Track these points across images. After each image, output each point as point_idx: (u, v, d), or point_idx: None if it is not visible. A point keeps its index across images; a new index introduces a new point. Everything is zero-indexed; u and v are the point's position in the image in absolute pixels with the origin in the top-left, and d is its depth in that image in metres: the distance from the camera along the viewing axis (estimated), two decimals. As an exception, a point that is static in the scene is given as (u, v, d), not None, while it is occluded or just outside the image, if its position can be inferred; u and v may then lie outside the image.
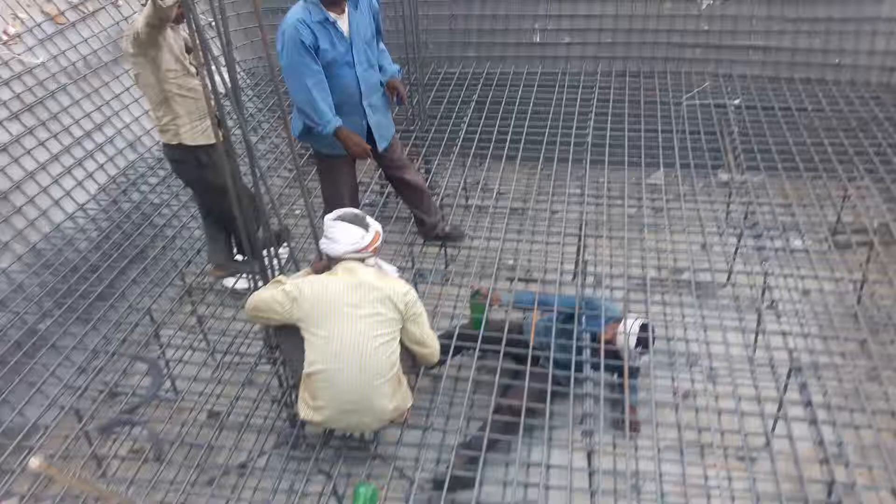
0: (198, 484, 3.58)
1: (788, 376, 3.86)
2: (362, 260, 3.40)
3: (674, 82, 6.79)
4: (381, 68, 4.26)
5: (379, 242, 3.47)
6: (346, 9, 3.93)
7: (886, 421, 3.71)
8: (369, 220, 3.45)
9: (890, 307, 4.50)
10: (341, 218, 3.42)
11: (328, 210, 4.45)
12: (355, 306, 3.20)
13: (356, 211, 3.51)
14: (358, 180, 4.81)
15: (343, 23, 3.93)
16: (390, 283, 3.33)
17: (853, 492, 3.22)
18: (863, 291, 4.74)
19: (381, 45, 4.28)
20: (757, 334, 4.25)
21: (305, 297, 3.22)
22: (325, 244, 3.41)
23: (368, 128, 4.30)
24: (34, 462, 1.07)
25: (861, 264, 4.73)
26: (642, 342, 3.90)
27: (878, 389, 3.78)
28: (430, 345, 3.50)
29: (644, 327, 3.96)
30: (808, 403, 3.62)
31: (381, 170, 4.93)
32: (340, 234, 3.36)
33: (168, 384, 4.20)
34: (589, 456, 3.42)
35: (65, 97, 5.57)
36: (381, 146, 4.41)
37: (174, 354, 4.23)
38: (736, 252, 5.01)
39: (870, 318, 4.56)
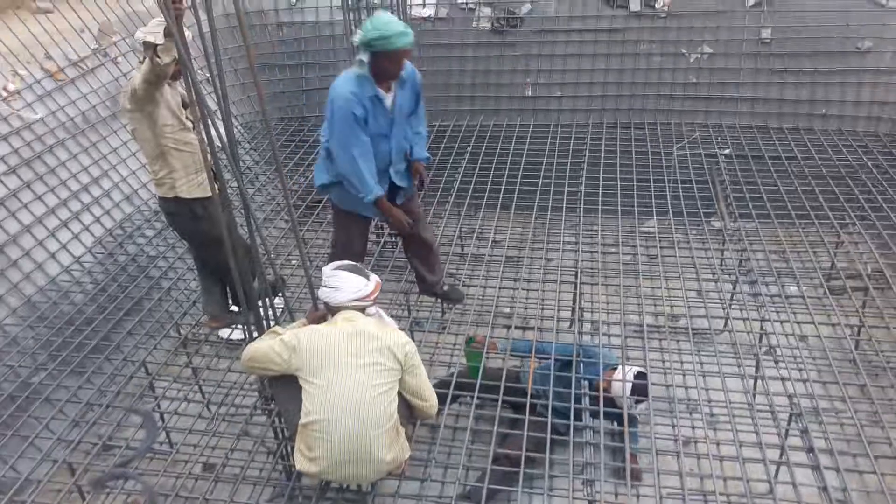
0: (192, 538, 3.51)
1: (789, 422, 3.84)
2: (363, 310, 3.39)
3: (664, 133, 6.91)
4: (411, 149, 4.36)
5: (378, 293, 3.48)
6: (393, 87, 4.05)
7: (890, 465, 3.68)
8: (368, 271, 3.48)
9: (887, 351, 4.49)
10: (341, 268, 3.44)
11: (335, 253, 4.47)
12: (354, 355, 3.18)
13: (354, 263, 3.53)
14: None
15: (388, 99, 4.05)
16: (390, 333, 3.32)
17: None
18: (860, 336, 4.75)
19: (421, 129, 4.38)
20: (756, 380, 4.24)
21: (304, 347, 3.20)
22: (326, 293, 3.40)
23: (391, 184, 4.39)
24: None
25: (857, 309, 4.75)
26: (638, 390, 3.88)
27: (881, 434, 3.75)
28: (428, 398, 3.46)
29: (640, 375, 3.95)
30: (811, 449, 3.59)
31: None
32: (343, 282, 3.37)
33: (163, 437, 4.14)
34: (590, 504, 3.37)
35: (63, 152, 5.62)
36: (399, 201, 4.47)
37: (169, 406, 4.18)
38: (732, 298, 5.03)
39: (868, 363, 4.56)
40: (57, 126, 5.68)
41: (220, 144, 3.07)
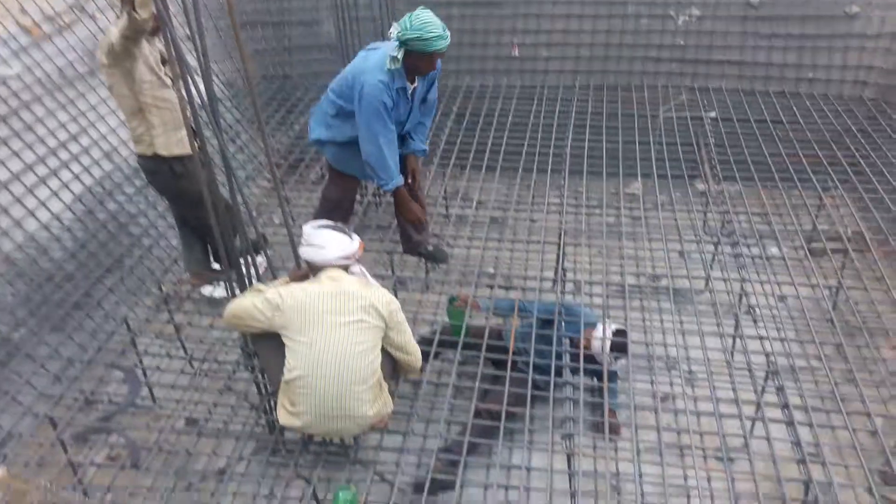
0: (176, 490, 3.54)
1: (766, 379, 3.90)
2: (346, 268, 3.39)
3: (651, 95, 6.89)
4: (411, 137, 4.42)
5: (361, 252, 3.48)
6: (416, 79, 4.13)
7: (862, 421, 3.75)
8: (350, 230, 3.48)
9: (864, 312, 4.56)
10: (324, 227, 3.43)
11: (324, 206, 4.48)
12: (338, 313, 3.18)
13: (335, 223, 3.53)
14: None
15: (411, 89, 4.14)
16: (374, 291, 3.32)
17: (830, 490, 3.24)
18: (838, 297, 4.81)
19: (427, 121, 4.46)
20: (735, 339, 4.29)
21: (288, 305, 3.20)
22: (310, 252, 3.38)
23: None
24: (-2, 473, 1.05)
25: (836, 271, 4.80)
26: (617, 347, 3.92)
27: (854, 391, 3.82)
28: (413, 352, 3.49)
29: (619, 332, 3.98)
30: (786, 406, 3.65)
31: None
32: (328, 240, 3.36)
33: (145, 392, 4.15)
34: (569, 458, 3.42)
35: (40, 108, 5.51)
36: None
37: (151, 362, 4.18)
38: (713, 259, 5.06)
39: (845, 323, 4.63)
40: (33, 82, 5.56)
41: (200, 102, 3.03)
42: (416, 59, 3.90)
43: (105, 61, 3.77)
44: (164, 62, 3.92)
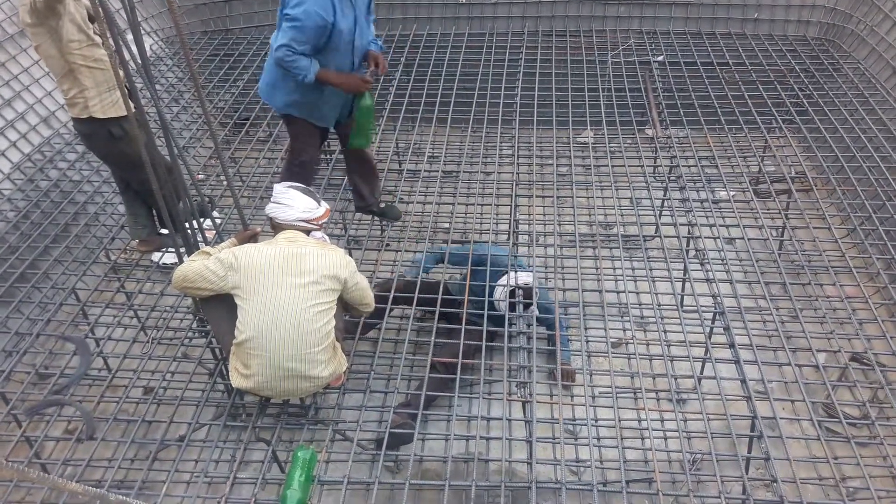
0: (136, 460, 3.54)
1: (713, 320, 4.01)
2: (307, 232, 3.36)
3: (599, 40, 6.86)
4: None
5: (326, 220, 3.45)
6: None
7: (806, 357, 3.90)
8: (319, 197, 3.45)
9: (808, 251, 4.69)
10: (294, 188, 3.41)
11: (292, 161, 4.38)
12: (293, 275, 3.16)
13: (307, 186, 3.51)
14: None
15: None
16: (330, 253, 3.30)
17: (776, 424, 3.38)
18: (783, 237, 4.94)
19: (371, 17, 4.21)
20: (684, 282, 4.39)
21: (242, 265, 3.16)
22: (274, 209, 3.37)
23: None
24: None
25: (781, 211, 4.92)
26: (522, 295, 3.97)
27: (799, 329, 3.95)
28: (369, 302, 3.52)
29: (521, 288, 4.02)
30: (732, 345, 3.77)
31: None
32: (294, 200, 3.35)
33: (99, 363, 4.10)
34: (524, 406, 3.50)
35: (-31, 72, 5.29)
36: (342, 120, 4.37)
37: (105, 333, 4.12)
38: (662, 205, 5.14)
39: (791, 262, 4.76)
40: (-40, 45, 5.32)
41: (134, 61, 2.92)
42: None
43: (28, 20, 3.58)
44: (91, 19, 3.74)
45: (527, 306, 3.95)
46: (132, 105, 3.04)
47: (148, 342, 4.01)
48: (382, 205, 4.85)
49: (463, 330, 3.75)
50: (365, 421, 3.48)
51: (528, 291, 3.99)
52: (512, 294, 3.99)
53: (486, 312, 3.88)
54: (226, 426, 3.49)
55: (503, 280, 4.06)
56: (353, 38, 3.95)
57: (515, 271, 4.09)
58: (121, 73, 2.91)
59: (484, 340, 3.75)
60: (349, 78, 4.05)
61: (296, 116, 4.23)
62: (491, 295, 4.04)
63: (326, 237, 3.67)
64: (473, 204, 5.09)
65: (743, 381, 3.56)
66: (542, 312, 3.99)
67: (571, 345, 4.29)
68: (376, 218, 5.01)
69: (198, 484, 3.23)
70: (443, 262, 4.48)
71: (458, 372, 3.61)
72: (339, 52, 3.94)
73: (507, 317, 3.87)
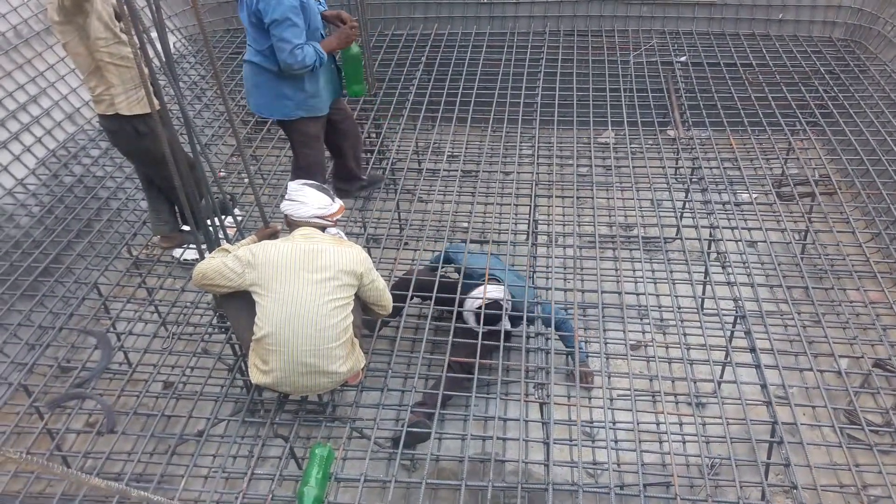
0: (155, 454, 3.57)
1: (734, 324, 3.97)
2: (323, 228, 3.39)
3: (621, 40, 6.82)
4: None
5: (341, 216, 3.47)
6: None
7: (829, 363, 3.85)
8: (332, 193, 3.47)
9: (832, 254, 4.64)
10: (308, 185, 3.44)
11: (298, 165, 4.47)
12: (311, 271, 3.18)
13: (321, 183, 3.54)
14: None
15: None
16: (347, 249, 3.31)
17: (797, 430, 3.34)
18: (806, 240, 4.88)
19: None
20: (704, 285, 4.35)
21: (260, 261, 3.19)
22: (289, 206, 3.39)
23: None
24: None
25: (804, 214, 4.86)
26: (487, 316, 3.92)
27: (821, 333, 3.91)
28: (386, 304, 3.53)
29: (494, 304, 3.96)
30: (753, 349, 3.73)
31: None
32: (308, 197, 3.38)
33: (120, 357, 4.14)
34: (541, 407, 3.49)
35: (-4, 69, 5.36)
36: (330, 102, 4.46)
37: (125, 327, 4.16)
38: (684, 207, 5.10)
39: (813, 266, 4.71)
40: (-12, 41, 5.40)
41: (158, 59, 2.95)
42: None
43: (56, 18, 3.63)
44: (118, 17, 3.77)
45: (496, 320, 3.89)
46: (157, 102, 3.07)
47: (168, 337, 4.05)
48: (364, 181, 4.91)
49: (480, 332, 3.74)
50: (382, 419, 3.49)
51: (495, 306, 3.93)
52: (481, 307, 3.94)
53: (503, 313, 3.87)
54: (244, 422, 3.51)
55: (475, 293, 4.03)
56: (316, 6, 4.08)
57: (485, 284, 4.03)
58: (145, 70, 2.93)
59: (502, 341, 3.74)
60: (340, 35, 4.19)
61: (305, 118, 4.28)
62: (461, 306, 4.01)
63: (342, 234, 3.69)
64: (493, 204, 5.09)
65: (763, 386, 3.53)
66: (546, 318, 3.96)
67: (587, 347, 4.26)
68: (396, 214, 5.02)
69: (216, 479, 3.25)
70: (449, 262, 4.46)
71: (476, 371, 3.60)
72: (313, 25, 4.03)
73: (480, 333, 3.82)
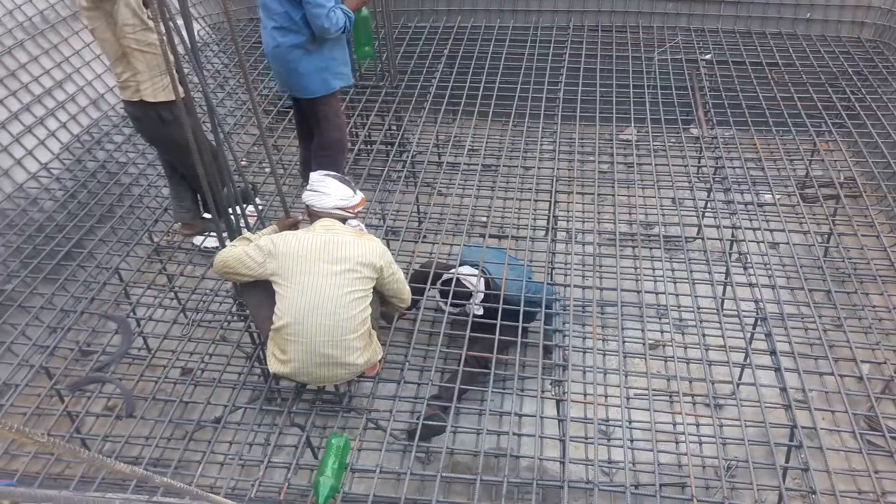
0: (173, 439, 3.60)
1: (754, 326, 3.94)
2: (344, 220, 3.39)
3: (646, 37, 6.76)
4: None
5: (362, 208, 3.47)
6: None
7: (850, 367, 3.81)
8: (354, 186, 3.48)
9: (855, 258, 4.58)
10: (331, 176, 3.44)
11: (322, 144, 4.64)
12: (330, 262, 3.19)
13: (344, 175, 3.54)
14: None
15: None
16: (367, 241, 3.32)
17: (816, 434, 3.31)
18: (829, 243, 4.82)
19: None
20: (725, 286, 4.31)
21: (281, 252, 3.20)
22: (311, 197, 3.39)
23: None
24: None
25: (827, 217, 4.80)
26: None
27: (842, 338, 3.86)
28: (405, 298, 3.54)
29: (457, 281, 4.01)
30: (773, 352, 3.70)
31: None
32: (330, 188, 3.38)
33: (139, 342, 4.17)
34: (557, 404, 3.47)
35: (22, 53, 5.40)
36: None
37: (145, 313, 4.19)
38: (706, 206, 5.05)
39: (836, 269, 4.65)
40: (15, 26, 5.44)
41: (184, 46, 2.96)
42: None
43: (85, 3, 3.65)
44: (146, 4, 3.80)
45: (464, 299, 3.95)
46: (181, 90, 3.08)
47: (187, 324, 4.08)
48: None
49: (498, 325, 3.74)
50: (398, 411, 3.49)
51: (456, 283, 3.97)
52: (446, 284, 4.00)
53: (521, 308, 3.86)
54: (261, 410, 3.53)
55: (464, 269, 4.07)
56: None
57: (464, 265, 4.12)
58: (171, 57, 2.95)
59: (519, 337, 3.73)
60: None
61: (334, 91, 4.50)
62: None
63: (363, 226, 3.69)
64: (512, 199, 5.07)
65: (783, 389, 3.50)
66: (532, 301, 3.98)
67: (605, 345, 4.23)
68: (414, 207, 5.03)
69: (232, 466, 3.28)
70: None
71: (493, 366, 3.59)
72: None
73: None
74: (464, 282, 3.97)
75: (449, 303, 3.93)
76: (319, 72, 4.35)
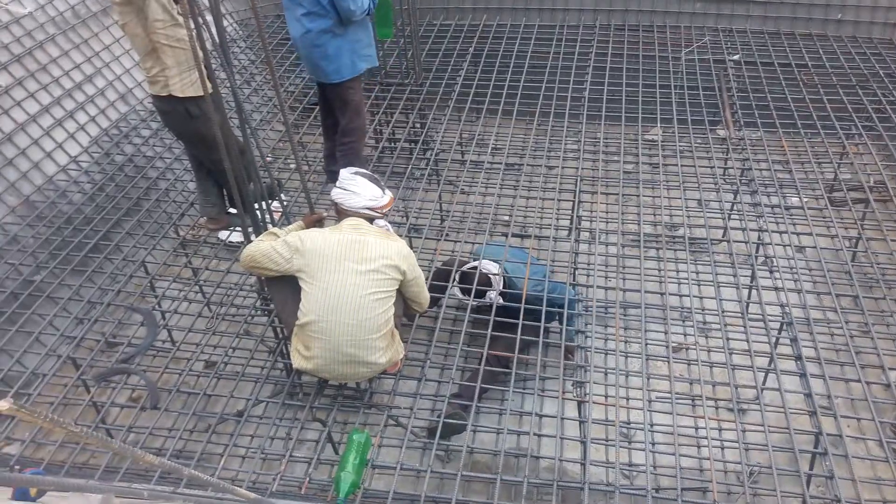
0: (196, 431, 3.63)
1: (780, 330, 3.89)
2: (371, 220, 3.39)
3: (673, 36, 6.71)
4: None
5: (390, 208, 3.47)
6: None
7: (876, 375, 3.76)
8: (384, 185, 3.48)
9: (884, 264, 4.51)
10: (361, 174, 3.44)
11: (347, 131, 4.86)
12: (356, 261, 3.19)
13: (374, 175, 3.53)
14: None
15: None
16: (393, 243, 3.32)
17: (841, 442, 3.27)
18: (857, 248, 4.76)
19: None
20: (751, 290, 4.27)
21: (308, 248, 3.21)
22: (340, 195, 3.39)
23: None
24: (3, 405, 1.08)
25: (856, 221, 4.74)
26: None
27: (869, 344, 3.81)
28: (423, 302, 3.55)
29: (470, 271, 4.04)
30: (799, 357, 3.66)
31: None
32: (362, 187, 3.37)
33: (164, 335, 4.22)
34: (579, 406, 3.46)
35: (54, 48, 5.48)
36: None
37: (170, 306, 4.24)
38: (732, 208, 5.00)
39: (864, 275, 4.59)
40: (47, 21, 5.51)
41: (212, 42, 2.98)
42: None
43: None
44: (176, 0, 3.84)
45: (480, 294, 3.96)
46: (210, 85, 3.11)
47: (212, 318, 4.11)
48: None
49: (520, 325, 3.73)
50: (419, 409, 3.50)
51: (480, 278, 3.97)
52: (466, 274, 4.02)
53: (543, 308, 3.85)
54: (283, 404, 3.56)
55: (473, 263, 4.08)
56: None
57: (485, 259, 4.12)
58: (200, 53, 2.97)
59: (541, 336, 3.72)
60: None
61: (364, 70, 4.73)
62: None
63: (390, 226, 3.69)
64: (535, 198, 5.05)
65: (808, 395, 3.46)
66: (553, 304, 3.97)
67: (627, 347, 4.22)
68: (437, 205, 5.03)
69: (254, 459, 3.31)
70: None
71: (514, 366, 3.59)
72: None
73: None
74: (484, 271, 3.97)
75: (472, 292, 3.92)
76: (348, 54, 4.54)
